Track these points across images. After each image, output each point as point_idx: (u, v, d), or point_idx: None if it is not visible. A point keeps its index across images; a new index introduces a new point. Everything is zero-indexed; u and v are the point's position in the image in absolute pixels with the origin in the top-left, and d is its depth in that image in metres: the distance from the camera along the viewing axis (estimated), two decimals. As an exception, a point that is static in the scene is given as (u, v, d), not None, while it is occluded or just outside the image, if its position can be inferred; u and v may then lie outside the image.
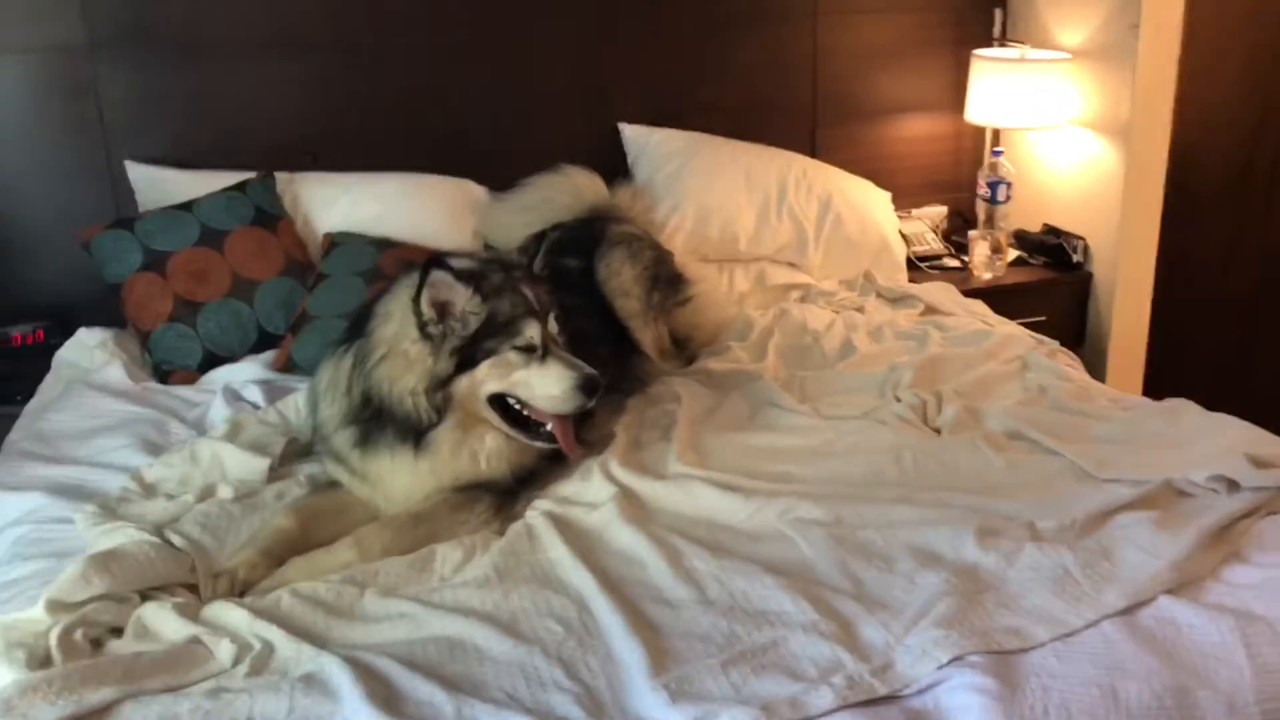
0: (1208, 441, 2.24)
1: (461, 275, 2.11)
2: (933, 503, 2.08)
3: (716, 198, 3.45)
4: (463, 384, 2.12)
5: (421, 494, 2.17)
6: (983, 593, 1.79)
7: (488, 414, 2.16)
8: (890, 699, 1.57)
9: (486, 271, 2.18)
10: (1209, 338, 3.93)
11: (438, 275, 2.08)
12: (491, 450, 2.19)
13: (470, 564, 1.98)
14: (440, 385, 2.12)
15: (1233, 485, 2.04)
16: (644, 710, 1.56)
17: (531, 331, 2.13)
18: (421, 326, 2.11)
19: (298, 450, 2.41)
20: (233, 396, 2.65)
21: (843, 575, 1.87)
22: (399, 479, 2.17)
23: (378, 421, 2.16)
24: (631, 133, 3.63)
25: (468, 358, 2.11)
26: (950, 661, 1.61)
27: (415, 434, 2.14)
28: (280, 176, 3.21)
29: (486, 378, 2.12)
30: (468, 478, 2.18)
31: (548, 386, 2.13)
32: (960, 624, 1.69)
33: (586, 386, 2.12)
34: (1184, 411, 2.42)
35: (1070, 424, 2.41)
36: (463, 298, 2.10)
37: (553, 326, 2.18)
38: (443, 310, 2.11)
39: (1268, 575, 1.81)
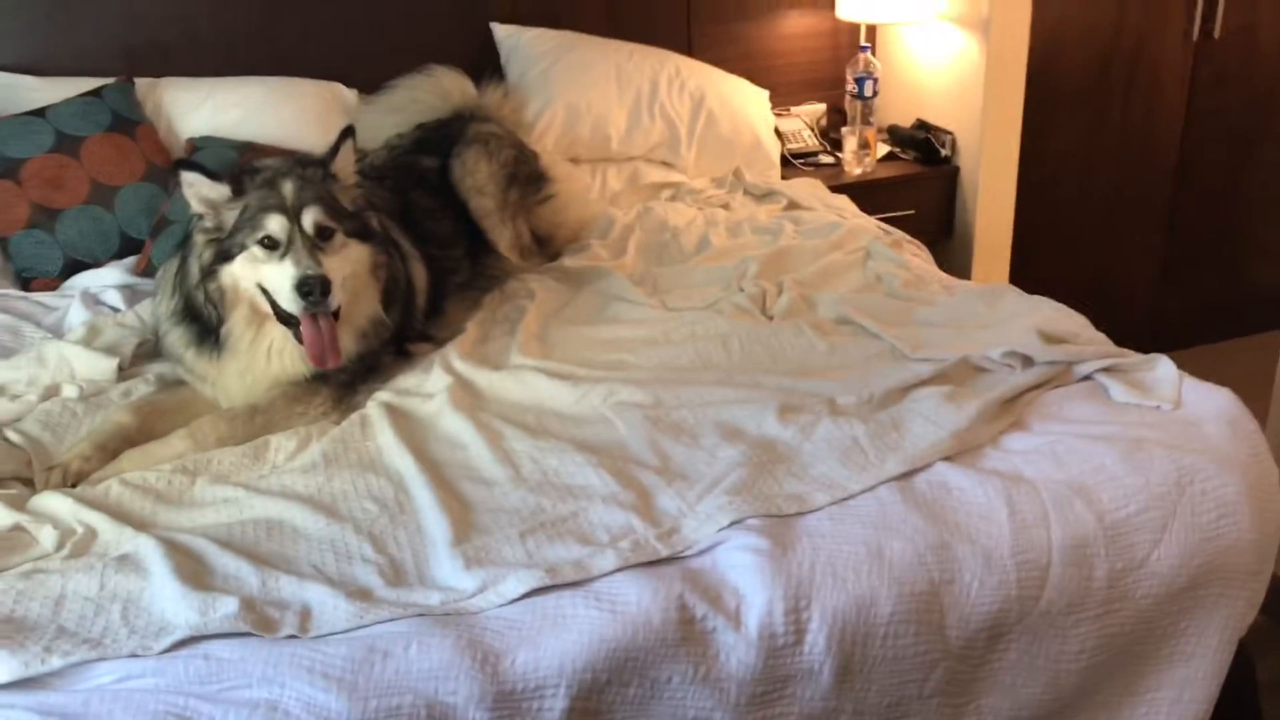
0: (1019, 321, 2.36)
1: (218, 174, 2.19)
2: (748, 384, 2.19)
3: (587, 96, 3.47)
4: (225, 277, 2.18)
5: (247, 394, 2.23)
6: (776, 464, 1.90)
7: (267, 310, 2.20)
8: (671, 560, 1.69)
9: (260, 170, 2.23)
10: (1070, 230, 4.07)
11: (187, 175, 2.17)
12: (280, 348, 2.23)
13: (303, 452, 2.06)
14: (206, 278, 2.19)
15: (1027, 361, 2.16)
16: (440, 576, 1.67)
17: (274, 225, 2.13)
18: (198, 222, 2.20)
19: (149, 351, 2.45)
20: (91, 300, 2.68)
21: (651, 451, 1.98)
22: (224, 379, 2.24)
23: (197, 320, 2.24)
24: (503, 32, 3.62)
25: (224, 251, 2.17)
26: (731, 524, 1.73)
27: (213, 332, 2.22)
28: (141, 82, 3.18)
29: (241, 272, 2.17)
30: (278, 377, 2.24)
31: (278, 282, 2.13)
32: (748, 491, 1.81)
33: (303, 285, 2.08)
34: (1004, 294, 2.53)
35: (897, 309, 2.52)
36: (220, 194, 2.17)
37: (310, 221, 2.15)
38: (214, 208, 2.19)
39: (1041, 442, 1.94)
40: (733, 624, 1.61)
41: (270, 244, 2.14)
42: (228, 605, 1.56)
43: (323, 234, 2.18)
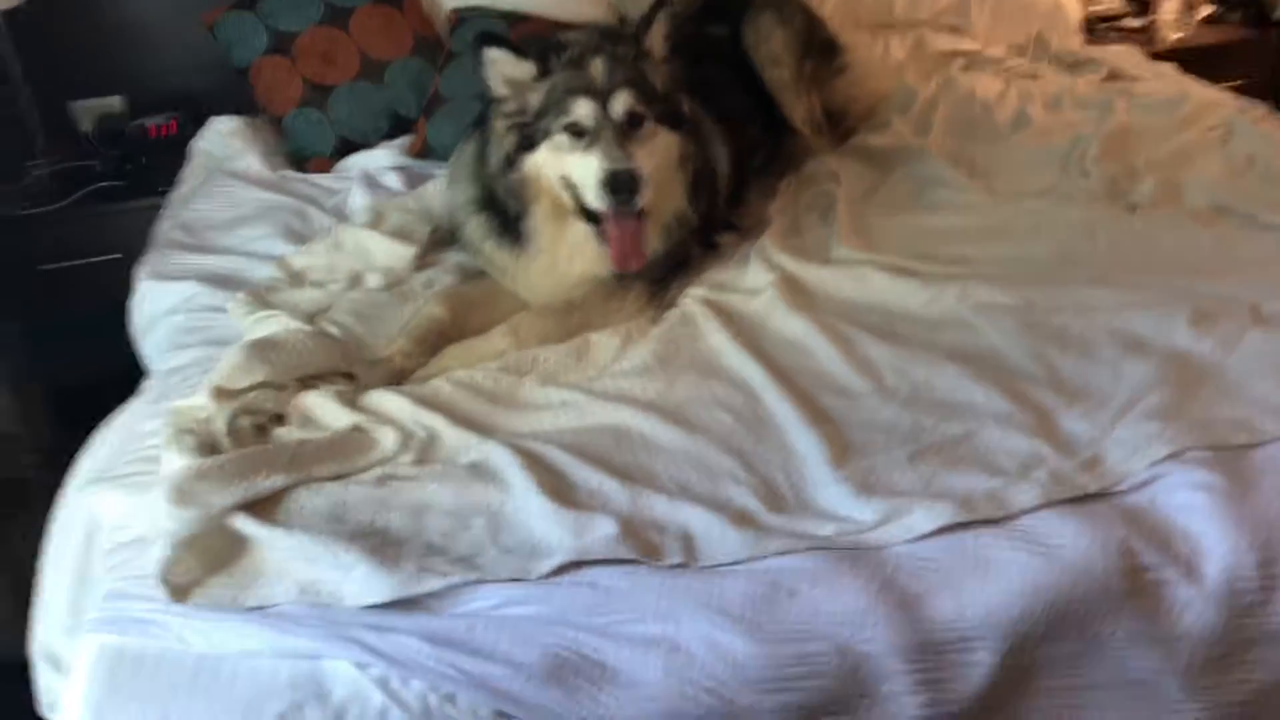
0: None
1: (525, 50, 1.95)
2: (1132, 284, 1.89)
3: (871, -46, 3.11)
4: (528, 167, 1.97)
5: (552, 290, 2.05)
6: (1198, 382, 1.62)
7: (569, 204, 1.99)
8: (1100, 496, 1.44)
9: (566, 45, 1.99)
10: None
11: (492, 53, 1.95)
12: (582, 245, 2.01)
13: (627, 352, 1.89)
14: (508, 167, 1.99)
15: None
16: (827, 503, 1.47)
17: (582, 110, 1.90)
18: (498, 105, 1.99)
19: (442, 238, 2.31)
20: (371, 183, 2.57)
21: (1036, 363, 1.72)
22: (528, 275, 2.06)
23: (497, 210, 2.06)
24: (774, -118, 3.26)
25: (527, 138, 1.96)
26: (1167, 457, 1.46)
27: (514, 224, 2.03)
28: (401, -53, 3.00)
29: (545, 161, 1.95)
30: (582, 275, 2.04)
31: (583, 175, 1.90)
32: (1176, 416, 1.53)
33: (611, 181, 1.85)
34: None
35: (1286, 197, 2.15)
36: (525, 73, 1.95)
37: (620, 107, 1.91)
38: (518, 89, 1.97)
39: None
40: (1188, 576, 1.36)
41: (576, 131, 1.92)
42: (604, 525, 1.41)
43: (633, 121, 1.94)
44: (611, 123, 1.92)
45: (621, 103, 1.93)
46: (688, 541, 1.41)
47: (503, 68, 1.98)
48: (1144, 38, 3.30)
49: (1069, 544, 1.36)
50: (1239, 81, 3.18)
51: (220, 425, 1.62)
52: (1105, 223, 2.09)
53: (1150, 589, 1.36)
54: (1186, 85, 2.80)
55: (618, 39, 2.04)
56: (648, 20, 2.03)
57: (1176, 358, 1.67)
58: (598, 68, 1.95)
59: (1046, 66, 3.01)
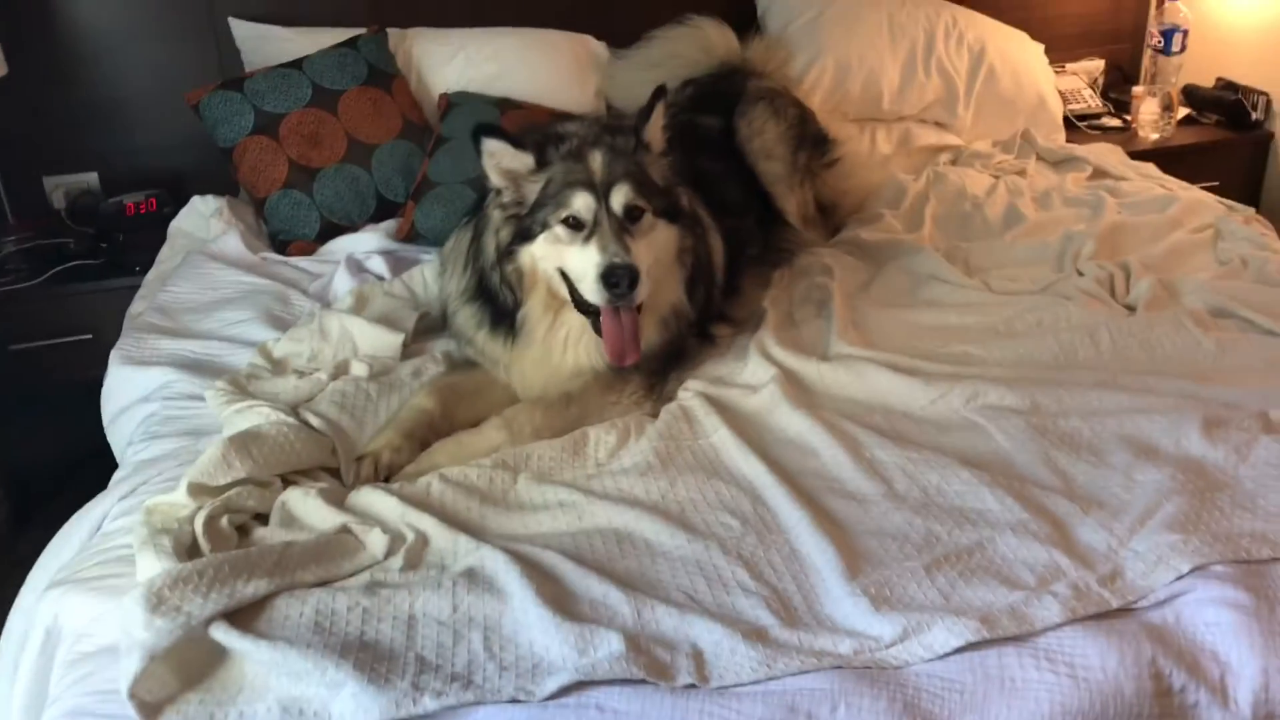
0: None
1: (523, 142, 1.92)
2: (1140, 388, 1.86)
3: (858, 49, 3.15)
4: (524, 258, 1.93)
5: (545, 383, 2.00)
6: (1214, 492, 1.58)
7: (565, 296, 1.94)
8: (1124, 612, 1.39)
9: (565, 136, 1.96)
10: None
11: (490, 144, 1.92)
12: (577, 338, 1.97)
13: (626, 448, 1.82)
14: (504, 258, 1.95)
15: None
16: (842, 618, 1.40)
17: (579, 203, 1.87)
18: (495, 196, 1.96)
19: (430, 325, 2.26)
20: (356, 267, 2.51)
21: (1048, 470, 1.67)
22: (520, 366, 2.01)
23: (490, 300, 2.01)
24: (762, -22, 3.31)
25: (524, 230, 1.92)
26: (1191, 571, 1.41)
27: (508, 316, 1.98)
28: (391, 33, 2.99)
29: (541, 253, 1.92)
30: (577, 368, 1.99)
31: (581, 269, 1.86)
32: (1196, 528, 1.49)
33: (609, 276, 1.81)
34: None
35: (1281, 300, 2.15)
36: (523, 164, 1.92)
37: (619, 201, 1.89)
38: (515, 180, 1.93)
39: None
40: (1219, 698, 1.31)
41: (575, 224, 1.89)
42: (610, 643, 1.33)
43: (631, 215, 1.91)
44: (610, 216, 1.88)
45: (621, 196, 1.90)
46: (698, 659, 1.33)
47: (501, 159, 1.95)
48: (1123, 137, 3.34)
49: (1096, 664, 1.30)
50: (1215, 183, 3.21)
51: (199, 525, 1.53)
52: (1106, 324, 2.07)
53: (1180, 713, 1.30)
54: (1171, 185, 2.83)
55: (616, 131, 2.01)
56: (646, 112, 2.00)
57: (1190, 465, 1.63)
58: (597, 160, 1.92)
59: (1033, 163, 3.04)
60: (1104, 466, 1.66)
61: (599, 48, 3.16)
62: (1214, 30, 3.45)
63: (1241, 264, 2.33)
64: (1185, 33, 3.27)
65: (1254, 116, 3.33)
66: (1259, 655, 1.32)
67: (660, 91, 2.03)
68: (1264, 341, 2.01)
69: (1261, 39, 3.31)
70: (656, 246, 1.96)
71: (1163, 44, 3.28)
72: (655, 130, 2.02)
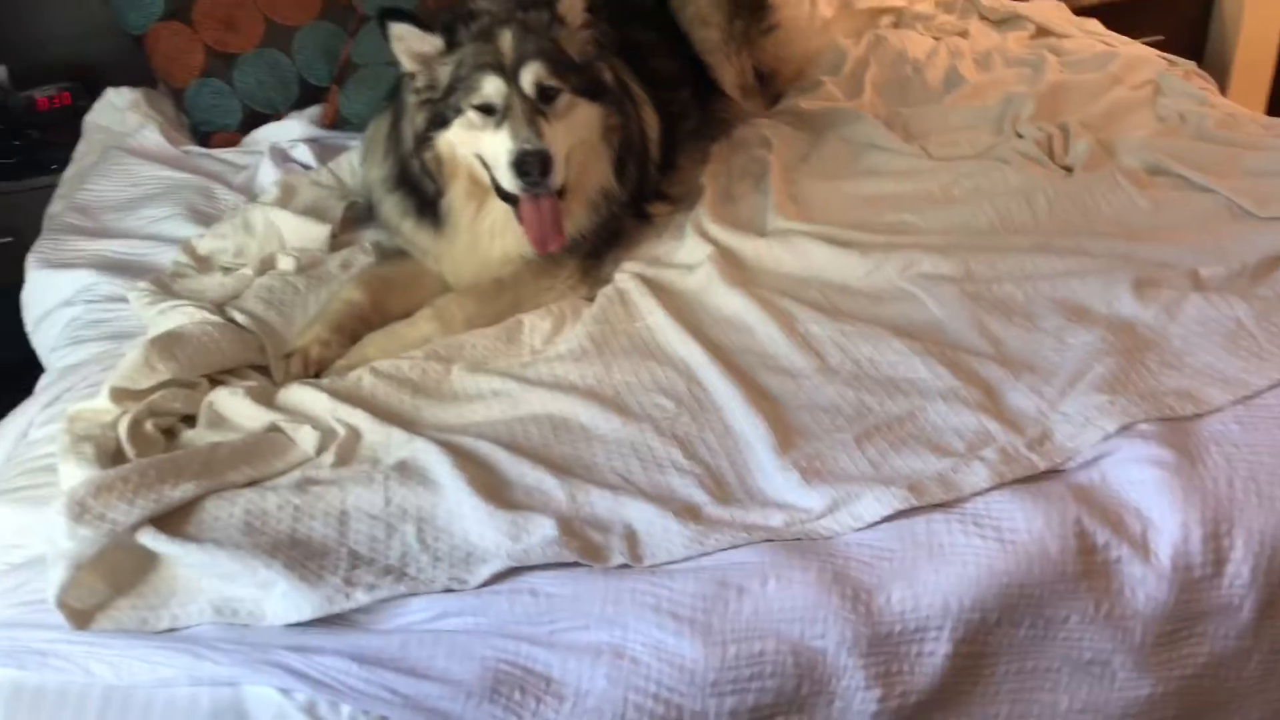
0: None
1: (431, 23, 1.84)
2: (1074, 250, 1.85)
3: (795, -92, 3.02)
4: (441, 145, 1.88)
5: (477, 272, 1.96)
6: (1143, 351, 1.59)
7: (488, 183, 1.89)
8: (1051, 474, 1.41)
9: (476, 14, 1.88)
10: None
11: (396, 27, 1.84)
12: (503, 226, 1.92)
13: (561, 334, 1.81)
14: (421, 145, 1.89)
15: None
16: (773, 492, 1.42)
17: (489, 88, 1.80)
18: (408, 80, 1.89)
19: (359, 214, 2.20)
20: (281, 157, 2.43)
21: (980, 335, 1.68)
22: (450, 255, 1.97)
23: (414, 188, 1.96)
24: None
25: (439, 116, 1.86)
26: (1117, 431, 1.43)
27: (432, 205, 1.94)
28: (306, -95, 2.83)
29: (458, 139, 1.86)
30: (505, 255, 1.95)
31: (495, 156, 1.81)
32: (1124, 388, 1.50)
33: (521, 163, 1.76)
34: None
35: (1219, 156, 2.13)
36: (432, 47, 1.85)
37: (529, 82, 1.81)
38: (427, 63, 1.86)
39: None
40: (1140, 553, 1.34)
41: (486, 109, 1.83)
42: (543, 528, 1.33)
43: (545, 95, 1.84)
44: (522, 99, 1.81)
45: (531, 76, 1.83)
46: (631, 540, 1.34)
47: (409, 42, 1.87)
48: (1064, -9, 3.26)
49: (1022, 527, 1.32)
50: (1160, 37, 3.16)
51: (123, 430, 1.50)
52: (1044, 186, 2.05)
53: (1103, 569, 1.33)
54: (1113, 41, 2.78)
55: (530, 5, 1.92)
56: None
57: (1121, 326, 1.64)
58: (506, 40, 1.84)
59: (975, 23, 2.97)
60: (1036, 330, 1.67)
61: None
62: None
63: (1180, 120, 2.31)
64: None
65: (1199, -33, 3.25)
66: (1179, 510, 1.35)
67: None
68: (1199, 198, 2.00)
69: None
70: (577, 127, 1.90)
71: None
72: (572, 2, 1.93)
